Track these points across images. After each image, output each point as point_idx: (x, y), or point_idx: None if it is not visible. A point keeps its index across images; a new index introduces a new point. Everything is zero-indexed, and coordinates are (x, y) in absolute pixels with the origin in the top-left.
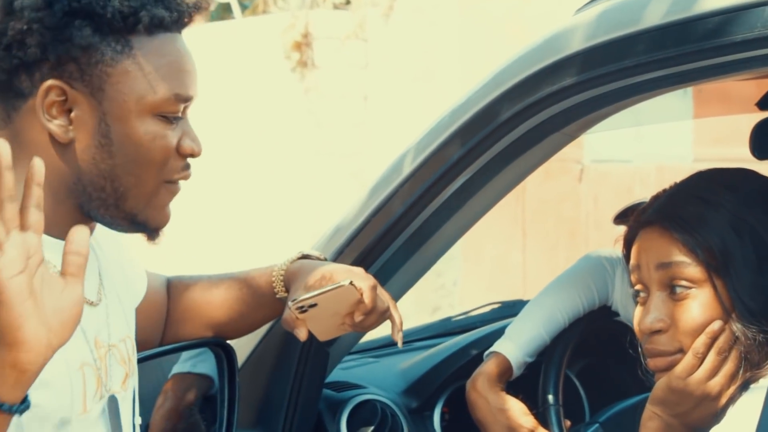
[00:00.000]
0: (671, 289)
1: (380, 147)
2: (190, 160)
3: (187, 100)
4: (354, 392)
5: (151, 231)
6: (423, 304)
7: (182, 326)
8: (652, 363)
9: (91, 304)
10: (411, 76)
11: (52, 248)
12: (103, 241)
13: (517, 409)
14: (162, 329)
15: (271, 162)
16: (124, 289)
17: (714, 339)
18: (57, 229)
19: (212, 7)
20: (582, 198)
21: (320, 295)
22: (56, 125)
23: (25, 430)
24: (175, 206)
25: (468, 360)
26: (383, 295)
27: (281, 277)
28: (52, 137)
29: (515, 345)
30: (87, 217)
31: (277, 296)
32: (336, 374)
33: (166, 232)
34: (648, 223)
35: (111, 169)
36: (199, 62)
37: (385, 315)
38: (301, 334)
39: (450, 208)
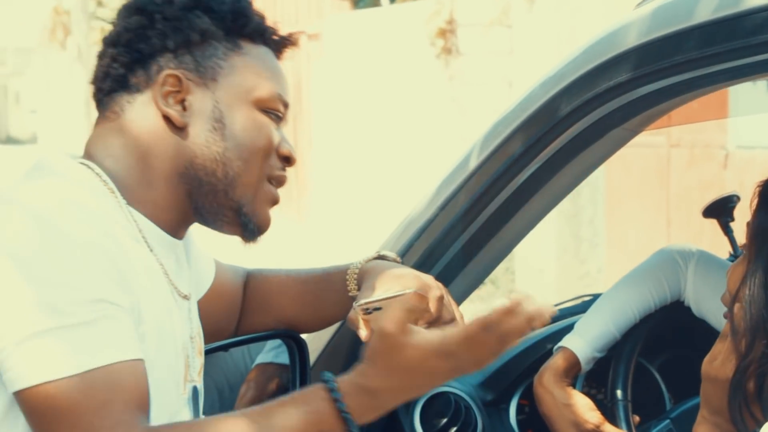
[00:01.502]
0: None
1: None
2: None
3: (286, 104)
4: None
5: (253, 229)
6: (567, 291)
7: (257, 317)
8: None
9: (184, 297)
10: (556, 62)
11: (160, 242)
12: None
13: (582, 404)
14: (236, 320)
15: (416, 149)
16: (195, 283)
17: None
18: (163, 217)
19: None
20: (727, 185)
21: (385, 300)
22: (174, 110)
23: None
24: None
25: (546, 352)
26: (450, 305)
27: (355, 276)
28: (167, 124)
29: (583, 340)
30: (194, 210)
31: (350, 294)
32: None
33: (263, 238)
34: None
35: (222, 152)
36: (347, 49)
37: (450, 324)
38: (363, 335)
39: (514, 204)
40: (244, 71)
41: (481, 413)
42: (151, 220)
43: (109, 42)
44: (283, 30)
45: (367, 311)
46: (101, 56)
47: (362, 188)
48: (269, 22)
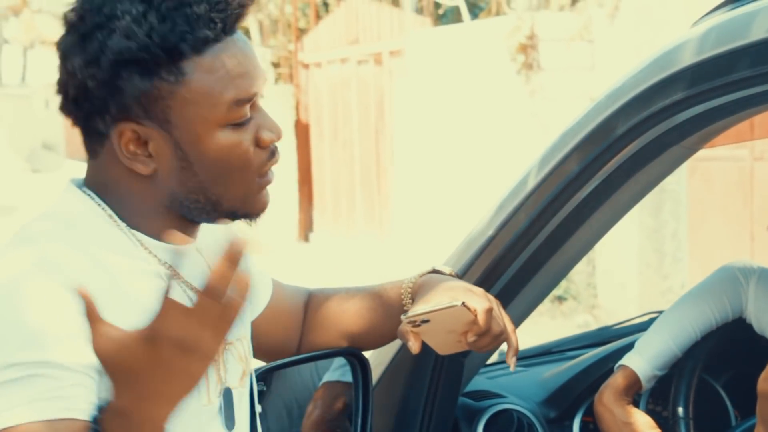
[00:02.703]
0: None
1: None
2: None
3: (249, 99)
4: (492, 401)
5: (253, 217)
6: (649, 307)
7: (319, 336)
8: None
9: None
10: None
11: (162, 250)
12: (216, 246)
13: (643, 422)
14: (297, 338)
15: (497, 165)
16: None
17: None
18: (166, 233)
19: (442, 11)
20: None
21: (433, 312)
22: (138, 162)
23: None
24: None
25: (608, 369)
26: (500, 318)
27: (409, 290)
28: (136, 173)
29: (643, 358)
30: (192, 222)
31: (405, 309)
32: (479, 383)
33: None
34: None
35: (199, 185)
36: (429, 65)
37: (500, 338)
38: (413, 347)
39: (573, 223)
40: (196, 99)
41: (543, 430)
42: (153, 237)
43: (60, 90)
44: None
45: (416, 324)
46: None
47: (444, 203)
48: (211, 11)
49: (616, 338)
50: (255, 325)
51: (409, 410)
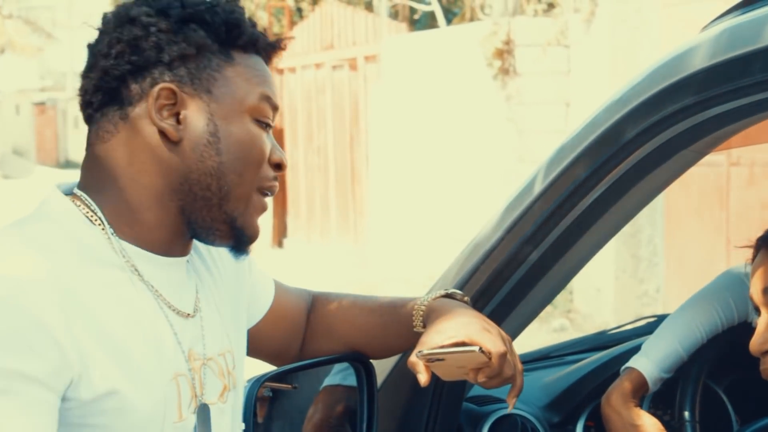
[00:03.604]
0: None
1: None
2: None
3: (276, 108)
4: (495, 406)
5: (245, 240)
6: (625, 311)
7: (322, 342)
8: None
9: (187, 316)
10: (613, 82)
11: (153, 266)
12: (216, 253)
13: (650, 424)
14: (299, 343)
15: (473, 169)
16: (235, 302)
17: None
18: (155, 238)
19: (417, 16)
20: None
21: (449, 353)
22: (168, 124)
23: None
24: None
25: (612, 373)
26: (513, 360)
27: (421, 312)
28: (162, 139)
29: (650, 361)
30: (187, 225)
31: (415, 329)
32: (482, 388)
33: (253, 247)
34: (764, 246)
35: (217, 167)
36: (404, 71)
37: (508, 381)
38: (423, 380)
39: (579, 228)
40: (237, 81)
41: None
42: (141, 247)
43: (99, 53)
44: (287, 41)
45: (430, 360)
46: (90, 68)
47: (419, 209)
48: (260, 29)
49: (613, 343)
50: (256, 329)
51: (413, 415)
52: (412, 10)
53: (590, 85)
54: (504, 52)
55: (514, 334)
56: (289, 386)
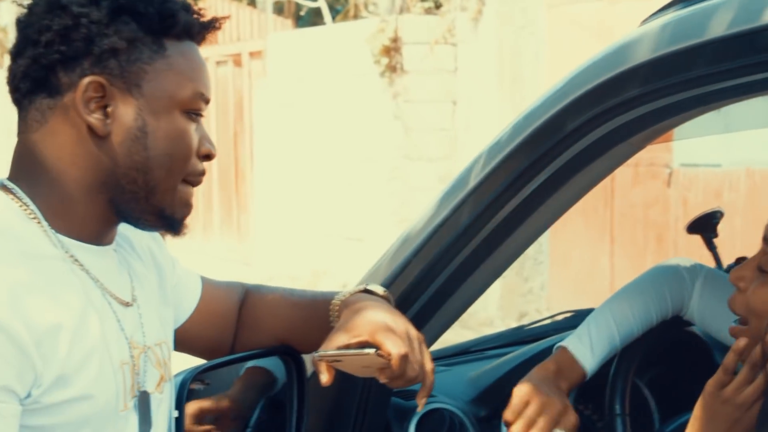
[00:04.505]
0: (762, 264)
1: (469, 151)
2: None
3: (207, 101)
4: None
5: (176, 225)
6: (510, 308)
7: (253, 335)
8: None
9: (126, 304)
10: (500, 80)
11: (90, 256)
12: (140, 247)
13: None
14: (231, 337)
15: (360, 166)
16: (163, 296)
17: (740, 355)
18: (87, 229)
19: (303, 12)
20: (671, 202)
21: (345, 355)
22: (95, 119)
23: (80, 424)
24: (272, 205)
25: None
26: (417, 361)
27: (336, 308)
28: (89, 132)
29: (587, 347)
30: (117, 215)
31: (331, 324)
32: None
33: (188, 225)
34: None
35: (144, 162)
36: (290, 67)
37: (415, 381)
38: (324, 380)
39: (516, 219)
40: (169, 74)
41: (474, 429)
42: (76, 238)
43: (28, 38)
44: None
45: (328, 360)
46: (18, 54)
47: (304, 207)
48: (193, 12)
49: (531, 337)
50: (186, 327)
51: (342, 410)
52: (298, 6)
53: (477, 83)
54: (391, 50)
55: (441, 331)
56: (201, 384)
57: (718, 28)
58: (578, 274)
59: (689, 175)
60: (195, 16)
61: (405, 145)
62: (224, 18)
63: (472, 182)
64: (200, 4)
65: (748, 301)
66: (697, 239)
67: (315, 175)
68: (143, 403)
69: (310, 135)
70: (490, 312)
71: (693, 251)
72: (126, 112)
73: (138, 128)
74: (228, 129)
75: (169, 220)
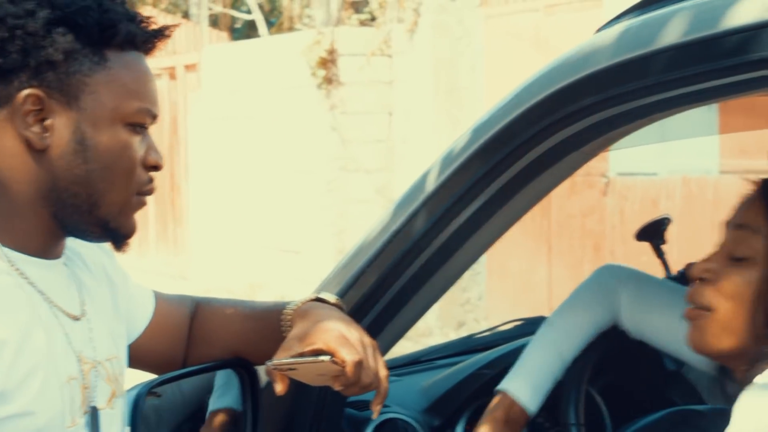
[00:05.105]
0: (732, 250)
1: (405, 163)
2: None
3: (154, 115)
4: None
5: (121, 238)
6: (448, 318)
7: (205, 348)
8: (687, 311)
9: (75, 318)
10: (436, 92)
11: (36, 269)
12: (91, 262)
13: None
14: (184, 350)
15: (297, 178)
16: (115, 311)
17: None
18: (33, 242)
19: (238, 25)
20: (608, 211)
21: (299, 363)
22: (32, 132)
23: None
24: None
25: (490, 377)
26: (372, 367)
27: (289, 318)
28: (27, 146)
29: (527, 386)
30: (62, 228)
31: (283, 335)
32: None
33: (132, 241)
34: (756, 191)
35: (85, 176)
36: (225, 80)
37: (369, 388)
38: (278, 389)
39: (470, 228)
40: (110, 87)
41: None
42: (21, 251)
43: None
44: (156, 30)
45: (282, 369)
46: None
47: (240, 219)
48: (140, 21)
49: (481, 346)
50: (139, 342)
51: (296, 423)
52: (233, 19)
53: (413, 94)
54: (328, 62)
55: (393, 342)
56: (154, 395)
57: (673, 35)
58: (516, 283)
59: (626, 184)
60: (143, 24)
61: (342, 157)
62: (174, 26)
63: (426, 191)
64: None
65: (720, 289)
66: (633, 248)
67: (251, 188)
68: (93, 419)
69: (247, 147)
70: (429, 322)
71: (630, 260)
72: (64, 126)
73: (77, 142)
74: (163, 142)
75: (114, 233)
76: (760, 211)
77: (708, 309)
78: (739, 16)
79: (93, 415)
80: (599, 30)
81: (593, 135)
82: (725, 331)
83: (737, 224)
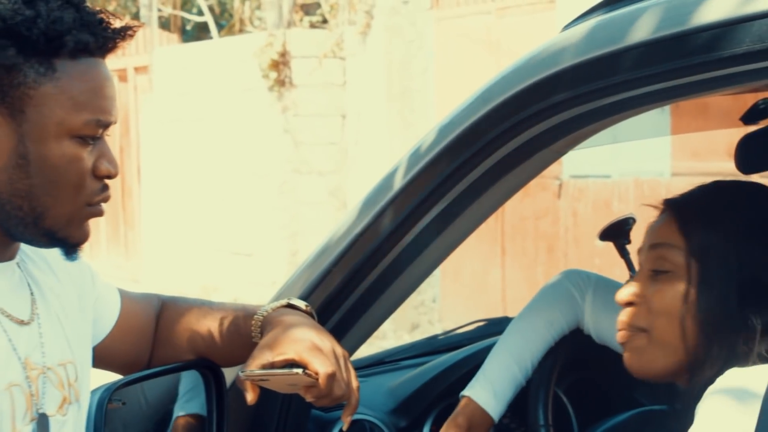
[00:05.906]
0: (655, 269)
1: (358, 165)
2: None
3: (107, 125)
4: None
5: (71, 247)
6: (402, 321)
7: (170, 349)
8: (619, 335)
9: (21, 322)
10: (389, 94)
11: None
12: (55, 261)
13: None
14: (149, 350)
15: (249, 181)
16: (80, 312)
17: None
18: None
19: (189, 26)
20: (561, 214)
21: (271, 374)
22: None
23: None
24: (160, 221)
25: (456, 378)
26: (344, 379)
27: (259, 323)
28: None
29: (489, 393)
30: (9, 237)
31: (254, 340)
32: None
33: (84, 248)
34: (664, 211)
35: (28, 189)
36: (177, 82)
37: (340, 399)
38: (249, 399)
39: (438, 227)
40: (57, 99)
41: None
42: None
43: None
44: (115, 30)
45: (254, 380)
46: None
47: (192, 222)
48: (98, 23)
49: (446, 347)
50: (105, 343)
51: (262, 424)
52: (185, 21)
53: (366, 96)
54: (280, 64)
55: (359, 343)
56: (118, 404)
57: (641, 32)
58: (470, 286)
59: (579, 186)
60: (103, 26)
61: (294, 159)
62: (137, 27)
63: (393, 190)
64: None
65: (651, 308)
66: (587, 250)
67: (203, 190)
68: (42, 426)
69: (199, 150)
70: (383, 325)
71: (583, 262)
72: (7, 139)
73: (19, 155)
74: (114, 145)
75: (62, 242)
76: (674, 227)
77: (643, 330)
78: (707, 14)
79: (41, 422)
80: (566, 27)
81: (562, 133)
82: (662, 349)
83: (653, 244)
